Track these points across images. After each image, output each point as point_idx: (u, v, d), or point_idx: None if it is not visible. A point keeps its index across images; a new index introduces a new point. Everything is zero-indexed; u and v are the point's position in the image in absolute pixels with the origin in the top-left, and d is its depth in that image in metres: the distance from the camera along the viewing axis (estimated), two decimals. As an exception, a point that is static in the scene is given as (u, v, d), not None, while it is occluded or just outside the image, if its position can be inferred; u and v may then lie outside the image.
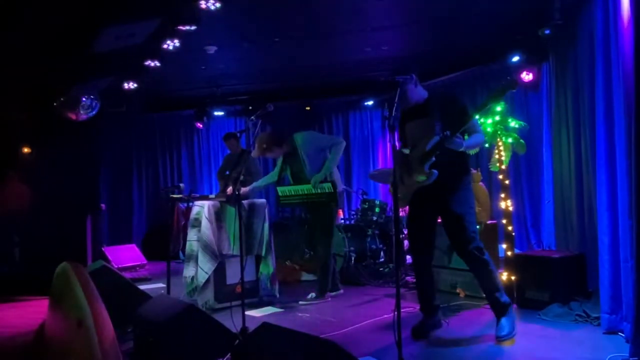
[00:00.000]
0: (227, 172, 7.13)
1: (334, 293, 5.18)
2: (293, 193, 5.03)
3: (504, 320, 3.61)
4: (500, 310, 3.64)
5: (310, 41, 6.49)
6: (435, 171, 3.50)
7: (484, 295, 3.79)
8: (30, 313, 4.75)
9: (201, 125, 9.17)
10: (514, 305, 4.14)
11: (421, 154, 3.54)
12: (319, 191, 4.86)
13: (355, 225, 6.66)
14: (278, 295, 5.13)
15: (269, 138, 5.06)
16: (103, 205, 8.29)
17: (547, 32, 5.28)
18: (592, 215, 4.19)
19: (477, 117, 3.72)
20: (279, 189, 5.13)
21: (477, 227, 3.75)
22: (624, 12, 3.11)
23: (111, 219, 9.04)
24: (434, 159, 3.49)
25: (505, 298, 3.66)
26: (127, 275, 5.82)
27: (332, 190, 4.82)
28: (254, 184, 5.24)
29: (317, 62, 7.40)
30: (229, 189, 4.83)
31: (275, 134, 5.32)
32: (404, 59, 7.20)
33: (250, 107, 9.03)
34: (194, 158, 9.69)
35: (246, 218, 4.87)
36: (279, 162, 5.28)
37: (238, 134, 6.72)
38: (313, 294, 5.04)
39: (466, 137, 3.57)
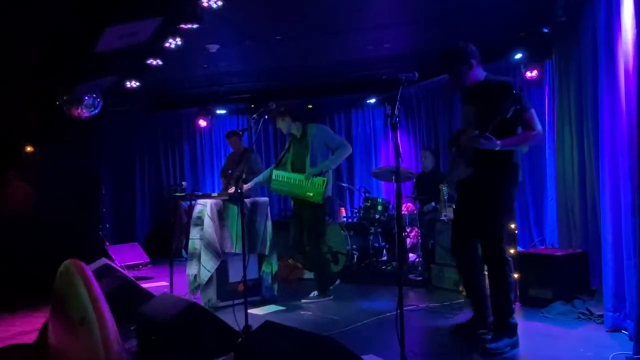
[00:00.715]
0: (230, 171, 7.15)
1: (331, 287, 5.17)
2: (286, 180, 4.96)
3: (506, 339, 3.32)
4: (502, 327, 3.35)
5: (312, 39, 6.48)
6: (471, 168, 3.32)
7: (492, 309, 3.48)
8: (33, 312, 4.77)
9: (205, 122, 9.17)
10: (517, 304, 4.13)
11: (460, 146, 3.42)
12: (310, 184, 4.82)
13: (358, 224, 6.66)
14: (276, 294, 5.11)
15: (290, 107, 5.02)
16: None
17: (550, 29, 5.26)
18: (595, 212, 4.18)
19: (530, 110, 3.26)
20: (274, 172, 5.05)
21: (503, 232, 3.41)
22: (626, 10, 3.10)
23: (114, 217, 9.05)
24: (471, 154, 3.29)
25: (514, 320, 3.36)
26: (130, 273, 5.82)
27: (322, 187, 4.76)
28: (255, 180, 5.24)
29: (320, 60, 7.39)
30: (232, 189, 4.83)
31: (296, 109, 5.24)
32: (406, 56, 7.19)
33: (253, 106, 9.03)
34: (196, 156, 9.69)
35: (248, 216, 4.86)
36: (286, 147, 5.25)
37: (240, 132, 6.72)
38: (315, 292, 5.04)
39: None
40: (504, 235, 3.40)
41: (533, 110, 3.28)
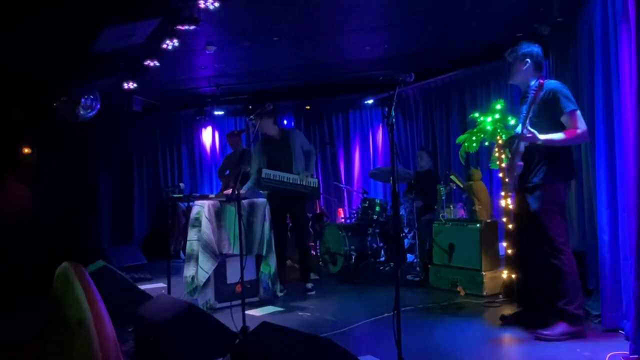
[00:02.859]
0: (227, 172, 7.16)
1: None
2: (278, 178, 5.21)
3: (562, 324, 3.45)
4: (560, 315, 3.49)
5: (310, 40, 6.49)
6: (520, 164, 3.57)
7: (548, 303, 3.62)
8: (30, 314, 4.76)
9: (202, 127, 9.20)
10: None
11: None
12: (305, 184, 5.26)
13: (356, 224, 6.66)
14: (280, 295, 5.14)
15: (272, 110, 5.12)
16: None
17: (547, 30, 5.27)
18: (592, 213, 4.18)
19: (576, 110, 3.48)
20: (264, 171, 5.20)
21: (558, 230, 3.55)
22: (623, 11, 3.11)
23: (112, 218, 9.04)
24: (521, 149, 3.55)
25: (573, 309, 3.46)
26: (127, 275, 5.82)
27: (317, 186, 5.37)
28: (247, 185, 5.30)
29: (317, 61, 7.40)
30: (228, 190, 4.91)
31: (276, 114, 5.64)
32: (403, 57, 7.21)
33: (251, 107, 9.04)
34: (194, 158, 9.69)
35: (246, 217, 4.88)
36: (254, 152, 5.48)
37: (238, 133, 6.76)
38: (309, 285, 5.38)
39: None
40: (559, 227, 3.54)
41: (578, 112, 3.47)
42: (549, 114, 3.53)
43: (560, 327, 3.45)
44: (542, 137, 3.44)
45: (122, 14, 4.84)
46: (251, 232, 4.96)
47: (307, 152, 5.51)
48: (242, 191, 5.01)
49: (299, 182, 5.26)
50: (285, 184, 5.22)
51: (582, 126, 3.46)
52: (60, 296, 2.59)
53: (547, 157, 3.56)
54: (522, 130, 3.48)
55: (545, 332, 3.45)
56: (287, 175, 5.24)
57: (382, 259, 6.53)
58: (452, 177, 6.00)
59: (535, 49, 3.74)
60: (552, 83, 3.63)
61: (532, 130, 3.43)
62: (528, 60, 3.70)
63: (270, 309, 4.74)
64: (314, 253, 6.76)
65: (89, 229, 7.98)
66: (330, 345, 2.40)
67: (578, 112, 3.48)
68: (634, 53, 2.91)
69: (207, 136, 9.73)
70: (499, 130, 5.07)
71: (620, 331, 3.44)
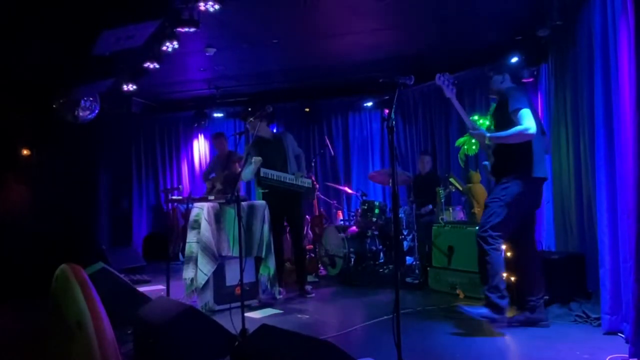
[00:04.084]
0: (213, 174, 7.15)
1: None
2: (277, 177, 5.30)
3: (484, 309, 3.76)
4: (487, 303, 3.77)
5: (309, 42, 6.49)
6: (485, 163, 4.02)
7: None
8: (29, 315, 4.75)
9: (201, 129, 9.20)
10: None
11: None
12: (301, 184, 5.41)
13: (355, 227, 6.66)
14: (279, 297, 5.13)
15: (271, 111, 5.11)
16: None
17: (546, 33, 5.28)
18: (592, 215, 4.19)
19: (519, 109, 3.73)
20: (262, 170, 5.22)
21: (497, 219, 3.77)
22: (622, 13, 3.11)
23: (111, 220, 9.03)
24: (490, 151, 3.95)
25: (496, 299, 3.72)
26: (126, 277, 5.81)
27: (311, 187, 5.57)
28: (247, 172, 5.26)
29: (317, 63, 7.41)
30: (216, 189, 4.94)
31: (273, 116, 5.87)
32: (403, 59, 7.21)
33: (250, 109, 9.01)
34: (193, 160, 9.69)
35: (245, 219, 4.88)
36: (249, 154, 5.40)
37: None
38: (309, 287, 5.41)
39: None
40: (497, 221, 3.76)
41: (522, 111, 3.68)
42: (503, 115, 3.83)
43: (487, 312, 3.74)
44: (488, 135, 3.85)
45: (122, 16, 4.84)
46: (250, 234, 4.96)
47: (297, 155, 5.63)
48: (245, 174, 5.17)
49: (295, 182, 5.37)
50: (283, 183, 5.32)
51: (525, 123, 3.65)
52: (59, 298, 2.58)
53: (509, 156, 3.82)
54: (469, 131, 3.96)
55: (472, 310, 3.80)
56: (285, 175, 5.35)
57: (381, 261, 6.53)
58: (451, 179, 6.01)
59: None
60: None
61: (479, 128, 3.89)
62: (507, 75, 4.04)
63: (269, 311, 4.73)
64: (313, 255, 6.75)
65: (87, 230, 7.97)
66: (329, 348, 2.40)
67: (523, 111, 3.67)
68: (633, 56, 2.91)
69: (206, 138, 9.72)
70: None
71: (620, 334, 3.44)
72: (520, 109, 3.67)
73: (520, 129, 3.63)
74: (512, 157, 3.77)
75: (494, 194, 3.84)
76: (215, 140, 7.33)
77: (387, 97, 8.46)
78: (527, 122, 3.63)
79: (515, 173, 3.77)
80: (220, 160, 7.21)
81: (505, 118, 3.78)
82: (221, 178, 6.96)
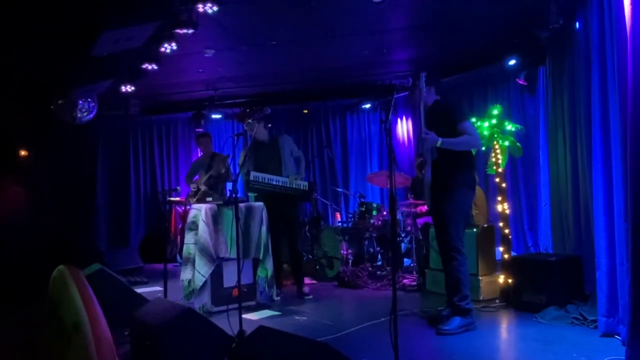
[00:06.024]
0: (197, 176, 7.13)
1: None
2: (267, 181, 5.21)
3: (457, 318, 3.85)
4: (456, 311, 3.88)
5: (308, 44, 6.50)
6: (425, 172, 3.95)
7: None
8: (26, 317, 4.74)
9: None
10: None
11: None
12: (295, 187, 5.32)
13: (353, 228, 6.66)
14: (277, 299, 5.13)
15: (267, 115, 5.13)
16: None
17: (544, 35, 5.29)
18: (589, 218, 4.20)
19: (469, 121, 4.05)
20: (252, 174, 5.18)
21: (459, 226, 3.94)
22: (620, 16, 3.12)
23: (109, 221, 9.02)
24: (428, 159, 3.93)
25: (466, 304, 3.88)
26: (124, 278, 5.80)
27: (307, 189, 5.41)
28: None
29: (315, 65, 7.41)
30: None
31: (269, 119, 5.80)
32: (401, 62, 7.22)
33: (248, 110, 9.01)
34: (191, 161, 9.67)
35: (243, 221, 4.87)
36: (242, 154, 5.50)
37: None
38: (306, 289, 5.42)
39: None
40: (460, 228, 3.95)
41: (469, 122, 4.00)
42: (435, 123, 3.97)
43: (459, 322, 3.83)
44: (441, 139, 3.85)
45: (121, 17, 4.84)
46: (248, 236, 4.95)
47: (296, 158, 5.58)
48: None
49: (287, 185, 5.30)
50: (274, 187, 5.24)
51: (475, 133, 4.01)
52: (57, 299, 2.58)
53: (454, 162, 3.93)
54: (421, 135, 3.92)
55: (446, 328, 3.81)
56: (276, 178, 5.26)
57: (379, 262, 6.53)
58: None
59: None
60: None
61: (430, 132, 3.85)
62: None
63: (267, 312, 4.73)
64: (311, 257, 6.75)
65: (85, 231, 7.96)
66: (327, 350, 2.40)
67: (469, 122, 3.99)
68: (630, 59, 2.92)
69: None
70: (496, 136, 5.08)
71: (617, 336, 3.45)
72: (467, 119, 3.96)
73: (473, 138, 3.93)
74: (457, 165, 3.94)
75: (447, 202, 3.92)
76: (201, 139, 7.31)
77: (384, 99, 8.47)
78: (476, 132, 3.98)
79: (460, 180, 3.95)
80: (204, 162, 7.19)
81: (440, 127, 3.91)
82: (205, 179, 6.90)
